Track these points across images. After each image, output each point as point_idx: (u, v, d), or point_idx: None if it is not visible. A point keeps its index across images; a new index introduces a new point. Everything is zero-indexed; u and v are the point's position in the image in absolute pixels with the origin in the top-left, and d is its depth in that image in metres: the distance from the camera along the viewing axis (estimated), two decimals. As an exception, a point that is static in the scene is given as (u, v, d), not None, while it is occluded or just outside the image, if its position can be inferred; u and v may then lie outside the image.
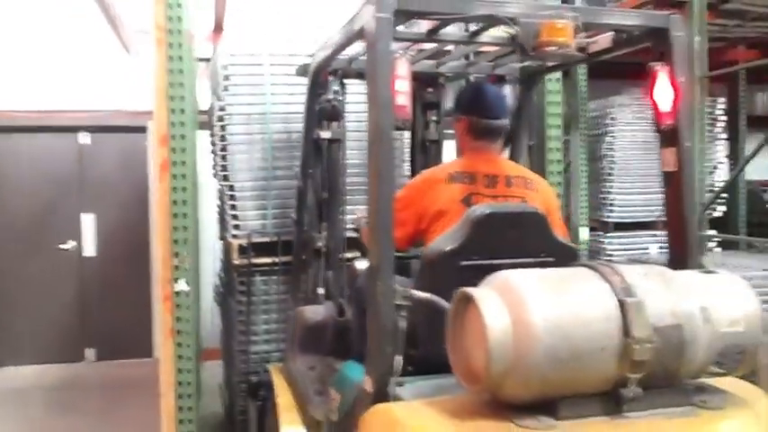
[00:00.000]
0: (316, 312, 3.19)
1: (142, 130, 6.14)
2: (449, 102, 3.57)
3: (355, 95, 3.47)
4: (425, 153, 3.69)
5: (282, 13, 5.48)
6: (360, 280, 2.64)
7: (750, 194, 6.43)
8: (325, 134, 3.46)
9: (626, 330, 1.67)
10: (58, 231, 6.48)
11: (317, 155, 3.53)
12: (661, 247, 5.68)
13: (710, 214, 5.47)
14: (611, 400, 1.72)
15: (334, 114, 3.30)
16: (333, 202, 3.52)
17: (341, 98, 3.32)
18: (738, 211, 6.28)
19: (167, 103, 3.41)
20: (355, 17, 2.17)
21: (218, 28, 5.50)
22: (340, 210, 3.53)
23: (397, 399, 1.93)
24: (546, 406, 1.69)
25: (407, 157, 3.91)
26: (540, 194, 2.50)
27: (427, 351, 2.08)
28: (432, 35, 2.45)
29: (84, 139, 6.53)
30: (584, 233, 5.73)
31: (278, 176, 3.95)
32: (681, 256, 2.23)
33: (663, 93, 2.21)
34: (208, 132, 4.72)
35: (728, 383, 1.93)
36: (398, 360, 1.95)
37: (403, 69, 1.98)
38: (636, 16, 2.23)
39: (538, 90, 4.16)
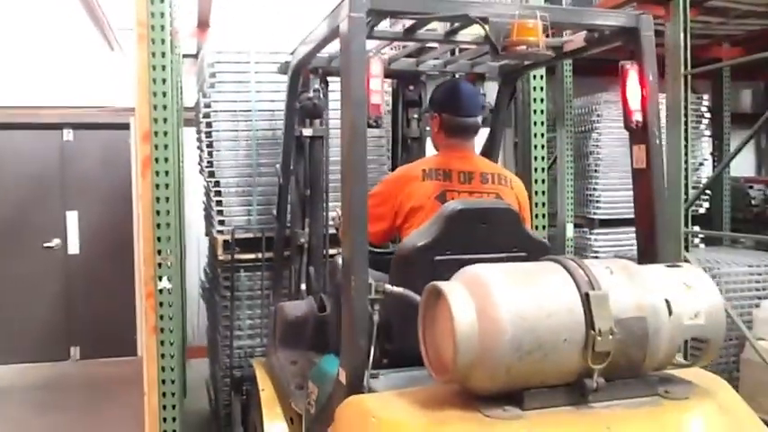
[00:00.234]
0: (296, 307, 3.27)
1: (125, 126, 6.17)
2: (430, 99, 3.67)
3: (338, 93, 3.54)
4: (407, 150, 3.78)
5: (268, 10, 5.56)
6: (339, 275, 2.71)
7: (734, 191, 6.53)
8: (308, 131, 3.54)
9: (589, 322, 1.74)
10: (43, 229, 6.50)
11: (300, 152, 3.61)
12: (646, 244, 5.78)
13: (695, 211, 5.57)
14: (575, 391, 1.79)
15: (315, 112, 3.38)
16: (315, 199, 3.61)
17: (322, 96, 3.38)
18: (723, 208, 6.37)
19: (150, 99, 3.41)
20: (330, 16, 2.24)
21: (204, 24, 5.58)
22: (322, 207, 3.61)
23: (371, 390, 2.01)
24: (512, 396, 1.77)
25: (389, 154, 3.99)
26: (513, 191, 2.59)
27: (402, 344, 2.15)
28: (409, 34, 2.52)
29: (68, 136, 6.57)
30: (569, 230, 5.82)
31: (263, 173, 4.04)
32: (650, 251, 2.31)
33: (633, 91, 2.29)
34: (194, 129, 4.78)
35: (693, 374, 2.02)
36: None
37: (377, 68, 2.05)
38: (606, 16, 2.30)
39: (522, 87, 4.26)
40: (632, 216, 5.66)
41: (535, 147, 4.27)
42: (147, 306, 3.49)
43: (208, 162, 4.12)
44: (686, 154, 4.88)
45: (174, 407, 3.50)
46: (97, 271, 6.53)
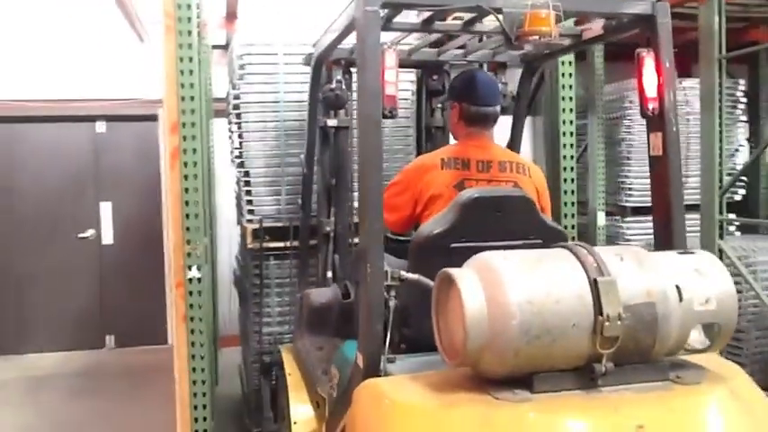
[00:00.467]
0: (322, 294, 3.37)
1: (156, 118, 6.34)
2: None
3: (361, 84, 3.64)
4: (431, 139, 3.85)
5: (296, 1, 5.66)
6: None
7: (771, 177, 6.46)
8: (332, 122, 3.64)
9: (597, 308, 1.80)
10: (77, 220, 6.73)
11: (325, 142, 3.71)
12: (680, 232, 5.76)
13: (731, 198, 5.55)
14: (584, 375, 1.86)
15: (337, 103, 3.46)
16: (340, 188, 3.70)
17: (344, 87, 3.47)
18: (759, 195, 6.30)
19: (178, 90, 3.50)
20: (347, 9, 2.32)
21: (232, 15, 5.70)
22: (347, 196, 3.71)
23: (387, 374, 2.10)
24: (522, 380, 1.84)
25: (415, 143, 4.07)
26: (531, 179, 2.65)
27: (419, 330, 2.22)
28: (427, 25, 2.58)
29: (101, 128, 6.77)
30: (601, 218, 5.83)
31: (291, 163, 4.13)
32: (666, 238, 2.35)
33: (649, 79, 2.33)
34: (225, 120, 4.91)
35: (707, 360, 2.06)
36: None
37: (391, 60, 2.13)
38: (621, 4, 2.34)
39: (551, 74, 4.29)
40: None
41: (563, 134, 4.26)
42: (176, 295, 3.60)
43: (237, 153, 4.25)
44: (721, 140, 4.85)
45: (204, 394, 3.61)
46: (130, 261, 6.75)
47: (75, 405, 5.29)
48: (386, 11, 2.27)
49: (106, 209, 6.77)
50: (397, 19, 2.47)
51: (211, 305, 4.74)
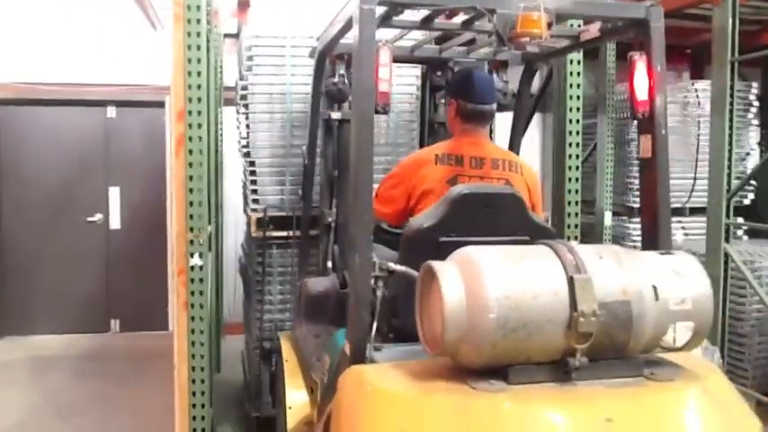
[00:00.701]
0: (320, 284, 3.48)
1: (165, 105, 6.48)
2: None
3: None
4: (434, 134, 3.95)
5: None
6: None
7: (782, 182, 6.48)
8: (336, 115, 3.75)
9: (572, 304, 1.90)
10: (86, 204, 6.91)
11: (329, 134, 3.82)
12: (687, 234, 5.83)
13: (740, 202, 5.60)
14: (559, 369, 1.95)
15: (340, 96, 3.57)
16: (343, 180, 3.81)
17: (347, 81, 3.57)
18: (768, 199, 6.34)
19: (185, 78, 3.58)
20: (346, 6, 2.41)
21: (244, 4, 5.79)
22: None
23: (372, 362, 2.20)
24: (499, 371, 1.93)
25: (418, 137, 4.18)
26: (523, 177, 2.74)
27: (408, 320, 2.32)
28: (426, 23, 2.68)
29: (111, 113, 6.92)
30: (608, 218, 5.91)
31: (296, 154, 4.23)
32: (652, 239, 2.43)
33: (641, 82, 2.41)
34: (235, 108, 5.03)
35: (685, 359, 2.15)
36: None
37: (386, 57, 2.22)
38: (614, 8, 2.42)
39: (559, 72, 4.35)
40: (672, 206, 5.81)
41: (570, 133, 4.30)
42: (178, 282, 3.69)
43: (244, 142, 4.37)
44: (730, 143, 4.89)
45: (202, 381, 3.70)
46: (137, 246, 6.91)
47: (79, 387, 5.45)
48: (384, 8, 2.36)
49: (114, 194, 6.94)
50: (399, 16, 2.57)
51: (214, 293, 4.84)
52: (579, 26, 2.93)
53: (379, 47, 2.23)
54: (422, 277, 2.04)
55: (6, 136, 6.77)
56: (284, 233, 4.25)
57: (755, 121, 5.91)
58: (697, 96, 5.77)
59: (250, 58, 4.25)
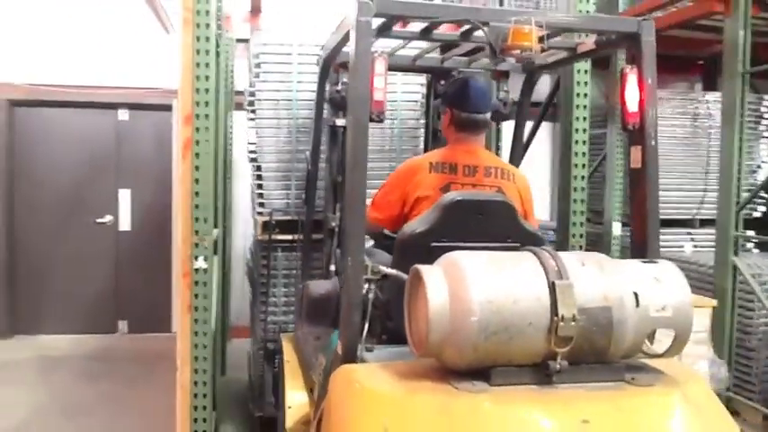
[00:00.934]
0: (321, 286, 3.60)
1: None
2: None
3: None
4: (437, 141, 4.06)
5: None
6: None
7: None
8: (341, 122, 3.87)
9: (553, 309, 2.00)
10: (96, 205, 7.09)
11: (333, 141, 3.95)
12: (696, 246, 5.89)
13: (749, 215, 5.65)
14: (541, 372, 2.05)
15: (342, 104, 3.69)
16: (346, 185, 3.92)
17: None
18: (781, 213, 6.38)
19: (192, 82, 3.67)
20: (345, 18, 2.54)
21: (256, 10, 5.96)
22: None
23: (363, 362, 2.31)
24: (482, 372, 2.04)
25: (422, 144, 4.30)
26: (515, 185, 2.85)
27: (400, 323, 2.43)
28: (425, 34, 2.79)
29: (123, 115, 7.09)
30: (616, 228, 5.98)
31: (302, 159, 4.38)
32: (641, 247, 2.53)
33: (631, 94, 2.51)
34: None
35: (666, 365, 2.24)
36: None
37: (381, 67, 2.34)
38: (607, 22, 2.52)
39: (566, 82, 4.43)
40: (681, 217, 5.85)
41: (576, 142, 4.32)
42: (182, 284, 3.77)
43: (252, 147, 4.52)
44: (740, 155, 4.96)
45: (205, 383, 3.77)
46: (146, 248, 7.08)
47: (86, 387, 5.60)
48: (381, 20, 2.47)
49: (125, 196, 7.12)
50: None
51: (220, 296, 4.96)
52: (580, 37, 3.03)
53: (375, 57, 2.34)
54: (410, 280, 2.15)
55: (19, 137, 6.97)
56: (289, 236, 4.39)
57: (767, 134, 5.95)
58: (708, 108, 5.85)
59: (258, 65, 4.41)
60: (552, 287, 2.01)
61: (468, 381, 2.02)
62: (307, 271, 4.09)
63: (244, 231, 6.60)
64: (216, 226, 4.37)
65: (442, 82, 3.92)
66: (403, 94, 4.44)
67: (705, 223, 5.87)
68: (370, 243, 3.19)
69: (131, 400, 5.32)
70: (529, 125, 5.08)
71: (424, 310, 2.01)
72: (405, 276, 2.28)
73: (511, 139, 3.59)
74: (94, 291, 7.13)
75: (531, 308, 2.00)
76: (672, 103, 5.84)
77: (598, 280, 2.08)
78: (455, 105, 2.91)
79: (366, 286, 2.36)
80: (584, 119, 4.35)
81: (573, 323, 1.99)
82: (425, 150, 4.19)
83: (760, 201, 5.77)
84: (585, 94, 4.36)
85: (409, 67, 3.70)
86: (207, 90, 3.72)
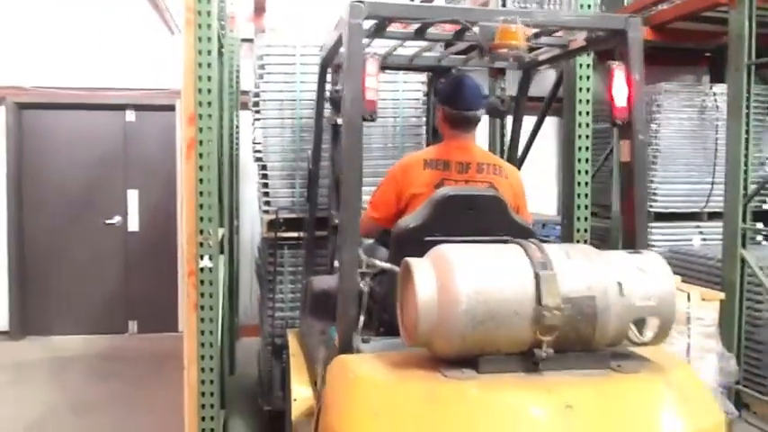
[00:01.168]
0: (324, 282, 3.74)
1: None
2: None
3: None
4: (437, 138, 4.16)
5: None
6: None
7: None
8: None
9: (538, 299, 2.12)
10: (105, 206, 7.26)
11: (335, 139, 4.08)
12: (704, 239, 5.97)
13: (759, 207, 5.72)
14: (527, 360, 2.17)
15: (340, 104, 3.81)
16: None
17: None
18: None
19: (195, 83, 3.78)
20: (339, 20, 2.66)
21: (260, 9, 6.10)
22: None
23: (358, 352, 2.44)
24: (470, 361, 2.16)
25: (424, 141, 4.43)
26: (507, 180, 2.97)
27: (396, 315, 2.56)
28: (418, 34, 2.91)
29: (130, 116, 7.27)
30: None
31: (306, 158, 4.50)
32: (631, 238, 2.64)
33: (619, 90, 2.61)
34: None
35: (653, 353, 2.36)
36: None
37: (373, 68, 2.46)
38: (593, 19, 2.63)
39: (569, 77, 4.52)
40: (690, 210, 5.91)
41: (579, 137, 4.39)
42: (188, 284, 3.86)
43: (257, 146, 4.67)
44: (747, 147, 5.02)
45: (212, 381, 3.87)
46: (155, 248, 7.24)
47: (97, 386, 5.76)
48: (374, 22, 2.60)
49: (133, 196, 7.28)
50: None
51: (227, 294, 5.08)
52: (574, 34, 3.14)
53: (367, 57, 2.46)
54: (401, 273, 2.27)
55: (28, 139, 7.14)
56: (295, 234, 4.55)
57: (774, 125, 6.02)
58: (715, 100, 5.92)
59: (262, 67, 4.57)
60: (537, 277, 2.13)
61: (458, 369, 2.15)
62: (310, 267, 4.24)
63: (252, 230, 6.76)
64: (222, 225, 4.49)
65: (443, 80, 4.04)
66: (405, 93, 4.57)
67: (713, 216, 5.94)
68: (370, 241, 3.31)
69: (142, 398, 5.46)
70: (533, 120, 5.19)
71: (414, 301, 2.13)
72: (397, 270, 2.41)
73: (510, 135, 3.70)
74: (104, 291, 7.30)
75: (517, 298, 2.12)
76: (679, 96, 5.91)
77: (583, 270, 2.20)
78: (447, 103, 3.04)
79: (361, 280, 2.48)
80: (588, 113, 4.43)
81: (557, 312, 2.11)
82: (427, 147, 4.32)
83: (766, 193, 5.83)
84: (588, 89, 4.45)
85: (409, 66, 3.83)
86: (209, 90, 3.81)
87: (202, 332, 3.86)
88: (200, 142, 3.83)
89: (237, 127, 6.39)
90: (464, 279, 2.11)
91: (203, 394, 3.86)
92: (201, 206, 3.84)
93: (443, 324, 2.10)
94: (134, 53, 6.85)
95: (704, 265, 5.45)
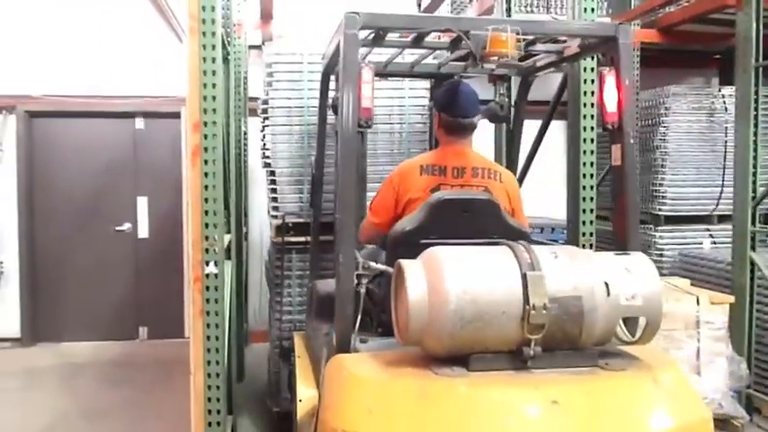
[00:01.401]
0: (328, 285, 3.85)
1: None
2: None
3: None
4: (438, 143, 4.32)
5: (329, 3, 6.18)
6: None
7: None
8: None
9: (525, 298, 2.23)
10: (115, 213, 7.45)
11: None
12: (714, 242, 6.04)
13: (768, 209, 5.78)
14: (516, 358, 2.29)
15: None
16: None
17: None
18: (800, 208, 6.47)
19: (200, 90, 3.87)
20: (336, 30, 2.80)
21: (267, 16, 6.26)
22: (360, 194, 4.21)
23: (355, 351, 2.57)
24: (461, 359, 2.28)
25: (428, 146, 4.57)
26: (502, 184, 3.09)
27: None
28: (416, 42, 3.04)
29: (140, 124, 7.45)
30: (633, 226, 6.14)
31: (311, 164, 4.65)
32: (623, 240, 2.75)
33: (610, 95, 2.73)
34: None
35: (643, 351, 2.47)
36: None
37: (368, 76, 2.59)
38: (584, 27, 2.75)
39: (573, 81, 4.61)
40: (699, 213, 5.96)
41: (584, 140, 4.46)
42: (194, 290, 3.94)
43: (265, 153, 4.85)
44: (755, 149, 5.09)
45: (218, 387, 3.94)
46: (165, 254, 7.40)
47: (107, 393, 5.91)
48: (370, 32, 2.74)
49: (143, 203, 7.47)
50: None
51: (235, 300, 5.20)
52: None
53: (362, 66, 2.60)
54: (394, 274, 2.40)
55: (38, 148, 7.34)
56: (302, 238, 4.70)
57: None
58: (724, 102, 5.99)
59: (270, 75, 4.75)
60: (524, 278, 2.25)
61: (449, 367, 2.27)
62: (315, 271, 4.37)
63: (262, 235, 6.91)
64: (228, 231, 4.62)
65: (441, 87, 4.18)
66: (411, 99, 4.73)
67: (723, 219, 6.00)
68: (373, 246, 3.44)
69: (152, 404, 5.60)
70: (537, 125, 5.27)
71: (406, 301, 2.26)
72: (392, 271, 2.54)
73: (507, 140, 3.82)
74: (115, 298, 7.49)
75: (505, 297, 2.24)
76: (687, 99, 5.98)
77: (570, 271, 2.32)
78: (444, 110, 3.17)
79: (358, 282, 2.61)
80: (592, 117, 4.45)
81: (544, 311, 2.23)
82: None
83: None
84: (593, 92, 4.50)
85: (410, 74, 3.96)
86: (214, 97, 3.90)
87: (208, 338, 3.93)
88: (206, 149, 3.91)
89: (246, 133, 6.54)
90: (453, 280, 2.23)
91: (209, 400, 3.93)
92: (207, 212, 3.92)
93: (434, 323, 2.23)
94: (143, 61, 7.04)
95: (714, 269, 5.51)
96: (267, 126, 4.81)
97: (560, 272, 2.30)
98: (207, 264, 3.93)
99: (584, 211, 4.51)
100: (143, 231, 7.50)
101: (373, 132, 4.70)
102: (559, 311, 2.26)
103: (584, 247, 4.42)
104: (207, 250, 3.93)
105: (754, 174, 5.07)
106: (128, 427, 5.20)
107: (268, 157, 4.82)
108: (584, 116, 4.45)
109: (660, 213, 6.05)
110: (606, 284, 2.32)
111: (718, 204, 6.07)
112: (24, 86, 7.05)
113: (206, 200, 3.94)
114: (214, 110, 3.93)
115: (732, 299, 4.91)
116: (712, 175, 6.05)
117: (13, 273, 7.27)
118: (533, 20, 4.33)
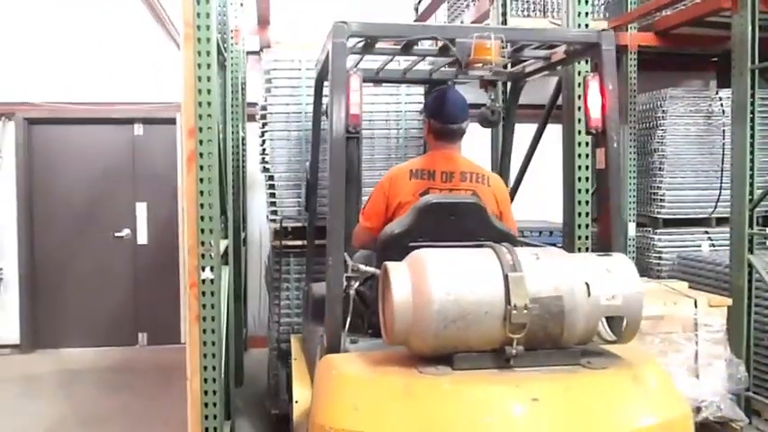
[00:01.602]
0: (324, 288, 3.96)
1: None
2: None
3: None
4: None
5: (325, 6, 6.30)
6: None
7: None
8: None
9: (507, 299, 2.34)
10: (114, 219, 7.58)
11: None
12: (713, 245, 6.12)
13: (767, 212, 5.87)
14: (499, 357, 2.39)
15: None
16: (350, 192, 4.30)
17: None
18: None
19: (195, 96, 3.91)
20: (327, 39, 2.91)
21: (264, 22, 6.37)
22: (356, 200, 4.31)
23: (345, 351, 2.68)
24: (446, 358, 2.39)
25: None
26: (490, 188, 3.20)
27: None
28: (405, 50, 3.15)
29: (138, 130, 7.59)
30: (631, 229, 6.25)
31: (305, 170, 4.79)
32: (606, 242, 2.86)
33: (594, 100, 2.83)
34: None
35: (625, 350, 2.57)
36: None
37: (356, 84, 2.70)
38: (567, 34, 2.86)
39: (567, 84, 4.70)
40: (698, 216, 6.06)
41: (579, 144, 4.47)
42: (190, 295, 3.96)
43: (264, 158, 4.99)
44: (752, 152, 5.17)
45: (215, 392, 3.97)
46: (164, 260, 7.52)
47: (107, 399, 6.02)
48: (359, 40, 2.85)
49: (142, 209, 7.60)
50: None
51: (232, 306, 5.29)
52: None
53: (350, 74, 2.71)
54: (381, 276, 2.51)
55: (38, 154, 7.48)
56: (300, 242, 4.83)
57: (779, 130, 6.16)
58: (721, 105, 6.08)
59: (268, 81, 4.89)
60: (506, 279, 2.35)
61: (433, 366, 2.38)
62: (311, 274, 4.49)
63: (261, 239, 7.02)
64: (225, 236, 4.71)
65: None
66: (407, 105, 4.87)
67: (721, 222, 6.09)
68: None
69: (152, 410, 5.69)
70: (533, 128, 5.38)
71: (391, 301, 2.36)
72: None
73: (502, 144, 3.93)
74: (114, 304, 7.61)
75: (487, 298, 2.35)
76: (685, 102, 6.08)
77: (551, 272, 2.42)
78: (433, 116, 3.29)
79: (347, 284, 2.72)
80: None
81: (525, 311, 2.33)
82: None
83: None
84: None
85: (403, 80, 4.07)
86: (209, 103, 3.95)
87: (205, 343, 3.97)
88: (201, 155, 3.96)
89: (244, 138, 6.65)
90: (437, 281, 2.34)
91: (206, 405, 3.97)
92: (203, 218, 3.96)
93: (418, 323, 2.33)
94: (142, 68, 7.18)
95: (712, 272, 5.59)
96: (266, 132, 4.94)
97: (541, 273, 2.40)
98: (203, 269, 3.97)
99: (579, 214, 4.54)
100: (142, 237, 7.63)
101: (370, 137, 4.85)
102: (541, 311, 2.36)
103: (579, 250, 4.51)
104: (203, 256, 3.97)
105: (752, 176, 5.14)
106: (128, 433, 5.30)
107: (267, 162, 4.95)
108: (579, 120, 4.40)
109: (658, 216, 6.16)
110: (587, 285, 2.42)
111: (716, 207, 6.17)
112: (23, 93, 7.19)
113: (201, 205, 3.98)
114: (209, 116, 3.97)
115: (730, 301, 4.98)
116: (710, 178, 6.14)
117: (13, 279, 7.40)
118: (517, 27, 4.42)
